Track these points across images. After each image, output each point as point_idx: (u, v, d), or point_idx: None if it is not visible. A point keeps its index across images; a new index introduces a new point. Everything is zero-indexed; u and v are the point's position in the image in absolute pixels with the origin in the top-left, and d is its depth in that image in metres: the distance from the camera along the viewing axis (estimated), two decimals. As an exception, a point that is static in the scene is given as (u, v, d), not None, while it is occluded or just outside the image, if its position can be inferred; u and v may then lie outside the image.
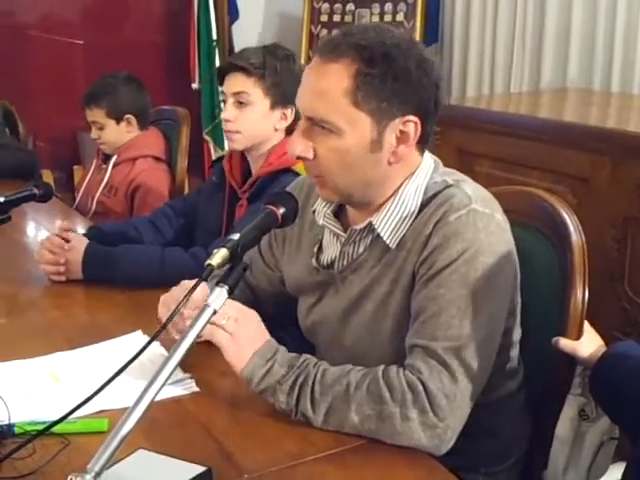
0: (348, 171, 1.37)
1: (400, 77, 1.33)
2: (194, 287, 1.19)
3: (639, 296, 2.59)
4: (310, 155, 1.38)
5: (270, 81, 2.06)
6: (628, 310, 2.61)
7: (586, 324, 1.47)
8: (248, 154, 2.15)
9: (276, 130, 2.11)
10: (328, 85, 1.34)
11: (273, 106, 2.08)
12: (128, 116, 2.92)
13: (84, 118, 2.98)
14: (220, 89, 2.16)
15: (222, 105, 2.17)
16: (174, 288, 1.49)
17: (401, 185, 1.41)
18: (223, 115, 2.11)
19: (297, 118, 2.10)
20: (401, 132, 1.35)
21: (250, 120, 2.08)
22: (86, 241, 2.05)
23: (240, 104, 2.08)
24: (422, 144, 1.42)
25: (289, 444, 1.27)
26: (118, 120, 2.91)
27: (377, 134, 1.34)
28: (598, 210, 2.60)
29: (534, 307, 1.50)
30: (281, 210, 1.36)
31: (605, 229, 2.61)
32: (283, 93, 2.07)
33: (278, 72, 2.06)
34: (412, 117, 1.35)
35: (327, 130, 1.34)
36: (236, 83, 2.08)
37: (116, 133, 2.93)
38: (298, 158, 1.40)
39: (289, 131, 2.11)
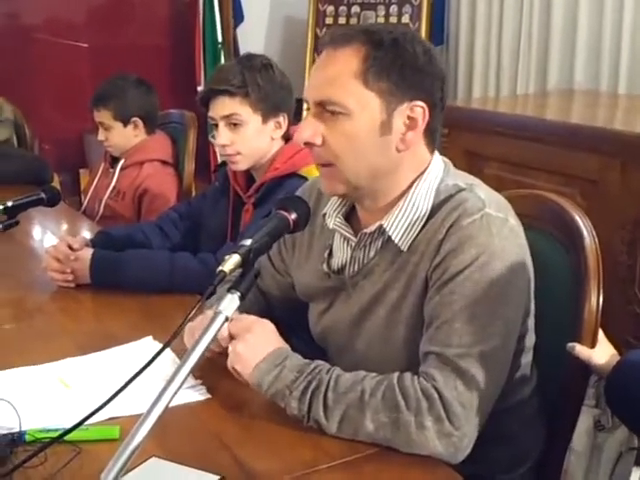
0: (357, 156, 1.36)
1: (408, 62, 1.35)
2: (208, 294, 1.19)
3: (650, 300, 2.57)
4: (319, 141, 1.37)
5: (255, 96, 2.04)
6: (639, 314, 2.59)
7: (600, 334, 1.45)
8: (250, 167, 2.14)
9: (273, 140, 2.10)
10: (338, 69, 1.35)
11: (265, 119, 2.07)
12: (135, 119, 2.91)
13: (91, 120, 2.99)
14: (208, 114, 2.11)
15: (212, 130, 2.13)
16: (199, 317, 1.48)
17: (411, 186, 1.40)
18: (218, 141, 2.08)
19: (291, 123, 2.10)
20: (409, 118, 1.36)
21: (247, 139, 2.06)
22: (91, 250, 2.04)
23: (233, 126, 2.06)
24: (430, 138, 1.41)
25: (302, 452, 1.26)
26: (125, 123, 2.91)
27: (386, 116, 1.35)
28: (608, 213, 2.59)
29: (547, 312, 1.49)
30: (293, 215, 1.35)
31: (615, 232, 2.60)
32: (271, 104, 2.06)
33: (260, 85, 2.04)
34: (420, 102, 1.35)
35: (337, 114, 1.34)
36: (223, 107, 2.05)
37: (123, 136, 2.92)
38: (306, 144, 1.39)
39: (287, 138, 2.11)
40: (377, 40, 1.34)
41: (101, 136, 2.94)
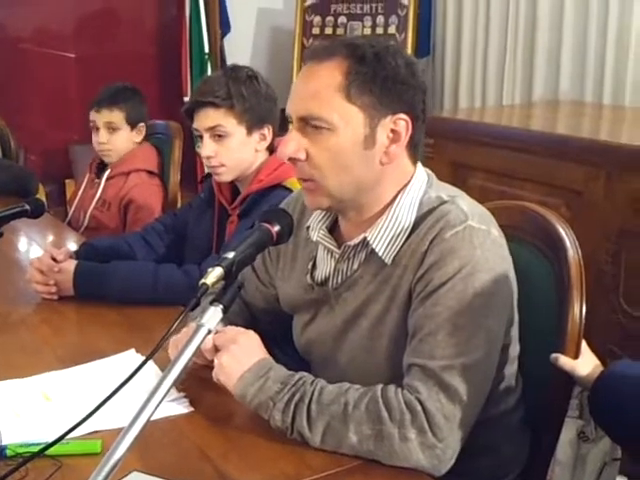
0: (341, 171, 1.36)
1: (390, 75, 1.35)
2: (191, 307, 1.18)
3: (634, 309, 2.58)
4: (302, 156, 1.37)
5: (240, 108, 2.04)
6: (623, 323, 2.60)
7: (583, 344, 1.46)
8: (235, 179, 2.14)
9: (257, 151, 2.10)
10: (321, 83, 1.35)
11: (249, 131, 2.07)
12: (141, 125, 2.92)
13: (77, 131, 2.97)
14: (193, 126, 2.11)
15: (197, 141, 2.13)
16: (184, 329, 1.48)
17: (395, 198, 1.41)
18: (203, 152, 2.07)
19: (276, 134, 2.10)
20: (392, 131, 1.36)
21: (231, 151, 2.06)
22: (74, 262, 2.03)
23: (218, 137, 2.05)
24: (412, 150, 1.42)
25: (285, 465, 1.25)
26: (133, 127, 2.91)
27: (370, 130, 1.35)
28: (592, 223, 2.60)
29: (530, 322, 1.49)
30: (276, 228, 1.35)
31: (600, 242, 2.61)
32: (256, 115, 2.06)
33: (245, 97, 2.04)
34: (403, 115, 1.36)
35: (320, 129, 1.34)
36: (207, 118, 2.05)
37: (126, 139, 2.92)
38: (290, 160, 1.39)
39: (271, 150, 2.11)
40: (359, 54, 1.34)
41: (102, 138, 2.89)
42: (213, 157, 2.06)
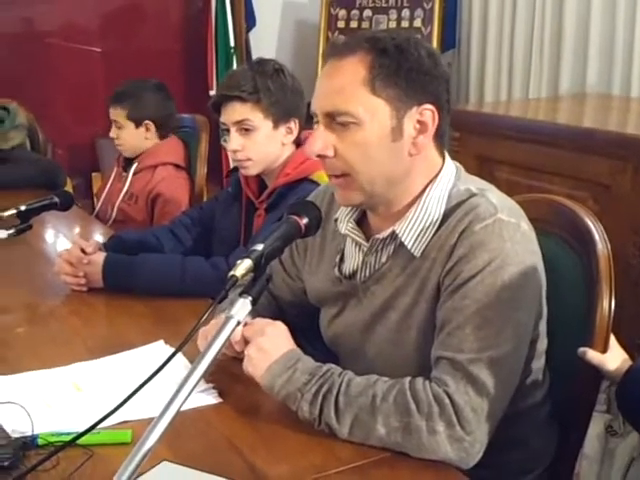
0: (370, 164, 1.36)
1: (413, 66, 1.35)
2: (220, 299, 1.19)
3: (662, 304, 2.56)
4: (330, 152, 1.37)
5: (267, 102, 2.04)
6: (651, 318, 2.58)
7: (612, 339, 1.45)
8: (261, 173, 2.14)
9: (284, 145, 2.10)
10: (345, 79, 1.35)
11: (276, 125, 2.07)
12: (148, 122, 2.94)
13: (103, 125, 3.01)
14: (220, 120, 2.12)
15: (223, 135, 2.14)
16: (213, 321, 1.49)
17: (424, 191, 1.40)
18: (230, 146, 2.09)
19: (303, 128, 2.10)
20: (419, 122, 1.36)
21: (258, 145, 2.07)
22: (103, 254, 2.05)
23: (245, 131, 2.06)
24: (439, 141, 1.42)
25: (313, 456, 1.26)
26: (137, 124, 2.94)
27: (397, 122, 1.35)
28: (620, 217, 2.58)
29: (559, 316, 1.49)
30: (304, 220, 1.35)
31: (627, 236, 2.59)
32: (283, 109, 2.07)
33: (272, 91, 2.04)
34: (429, 105, 1.36)
35: (347, 124, 1.34)
36: (234, 112, 2.06)
37: (133, 136, 2.95)
38: (318, 157, 1.39)
39: (298, 143, 2.11)
40: (381, 47, 1.34)
41: (112, 134, 2.98)
42: (240, 151, 2.07)
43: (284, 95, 2.06)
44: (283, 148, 2.10)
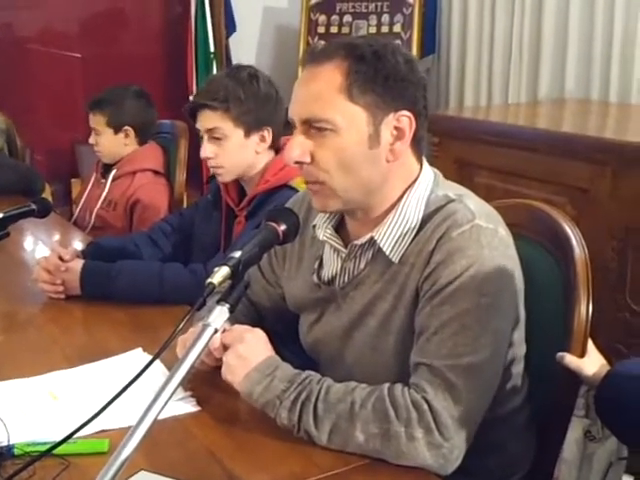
0: (347, 171, 1.36)
1: (390, 73, 1.35)
2: (198, 306, 1.19)
3: (641, 307, 2.58)
4: (307, 159, 1.37)
5: (236, 111, 2.03)
6: (630, 321, 2.60)
7: (589, 343, 1.45)
8: (240, 180, 2.14)
9: (258, 153, 2.09)
10: (322, 85, 1.35)
11: (247, 133, 2.07)
12: (127, 128, 2.93)
13: (83, 131, 3.00)
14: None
15: (202, 141, 2.14)
16: (191, 329, 1.48)
17: (402, 197, 1.40)
18: (202, 154, 2.09)
19: (281, 134, 2.10)
20: (396, 128, 1.36)
21: (229, 153, 2.07)
22: (81, 261, 2.03)
23: (216, 139, 2.06)
24: (416, 147, 1.42)
25: (292, 464, 1.25)
26: (116, 130, 2.93)
27: (374, 129, 1.35)
28: (598, 221, 2.59)
29: (537, 321, 1.49)
30: (282, 227, 1.35)
31: (605, 240, 2.60)
32: (254, 118, 2.06)
33: (242, 100, 2.03)
34: (406, 112, 1.36)
35: (324, 130, 1.34)
36: (206, 120, 2.06)
37: (112, 143, 2.94)
38: (296, 163, 1.39)
39: (277, 150, 2.10)
40: (358, 54, 1.34)
41: (92, 140, 2.97)
42: (212, 158, 2.08)
43: (255, 104, 2.05)
44: (257, 156, 2.10)
